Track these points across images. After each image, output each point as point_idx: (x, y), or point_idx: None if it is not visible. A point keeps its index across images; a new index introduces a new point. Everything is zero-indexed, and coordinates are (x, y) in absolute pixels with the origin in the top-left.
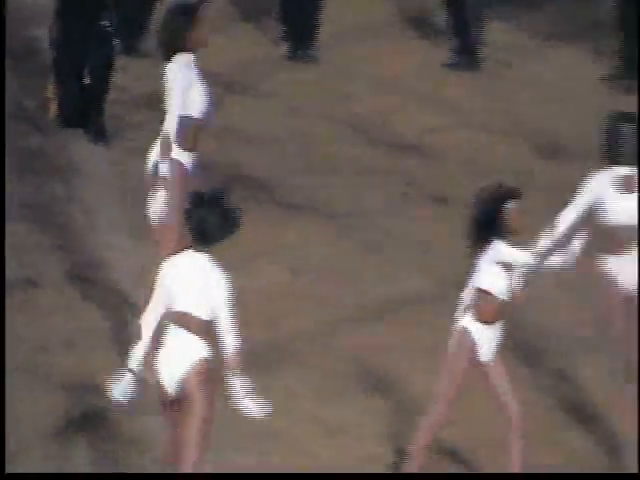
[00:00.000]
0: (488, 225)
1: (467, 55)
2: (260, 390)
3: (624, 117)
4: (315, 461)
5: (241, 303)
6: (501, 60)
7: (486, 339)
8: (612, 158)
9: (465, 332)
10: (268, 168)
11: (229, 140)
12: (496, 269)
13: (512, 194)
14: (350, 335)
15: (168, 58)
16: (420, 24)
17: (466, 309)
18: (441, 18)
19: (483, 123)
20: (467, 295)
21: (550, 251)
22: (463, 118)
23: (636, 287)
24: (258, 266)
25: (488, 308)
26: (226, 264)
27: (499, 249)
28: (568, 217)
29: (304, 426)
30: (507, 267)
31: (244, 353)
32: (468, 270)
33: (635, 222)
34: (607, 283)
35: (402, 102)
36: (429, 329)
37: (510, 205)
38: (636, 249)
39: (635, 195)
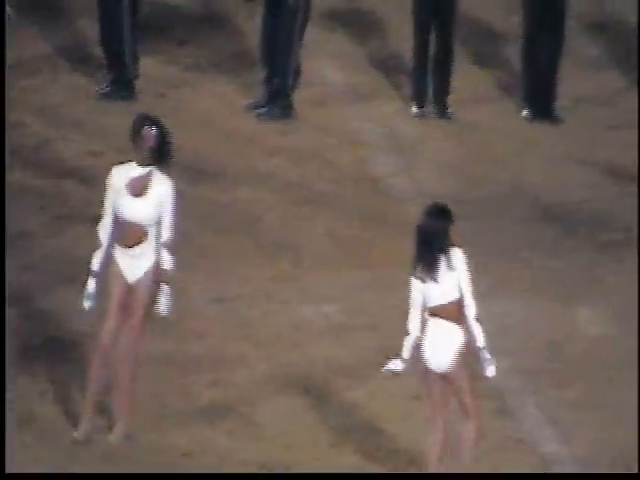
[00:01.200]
0: (440, 240)
1: (123, 87)
2: None
3: (148, 118)
4: None
5: None
6: (154, 91)
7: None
8: (137, 158)
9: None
10: None
11: None
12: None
13: (449, 214)
14: None
15: None
16: (82, 57)
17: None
18: (99, 51)
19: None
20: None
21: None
22: (116, 144)
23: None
24: None
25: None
26: None
27: (457, 256)
28: (106, 215)
29: None
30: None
31: None
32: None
33: (139, 220)
34: None
35: (62, 129)
36: None
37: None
38: (143, 245)
39: (142, 198)
